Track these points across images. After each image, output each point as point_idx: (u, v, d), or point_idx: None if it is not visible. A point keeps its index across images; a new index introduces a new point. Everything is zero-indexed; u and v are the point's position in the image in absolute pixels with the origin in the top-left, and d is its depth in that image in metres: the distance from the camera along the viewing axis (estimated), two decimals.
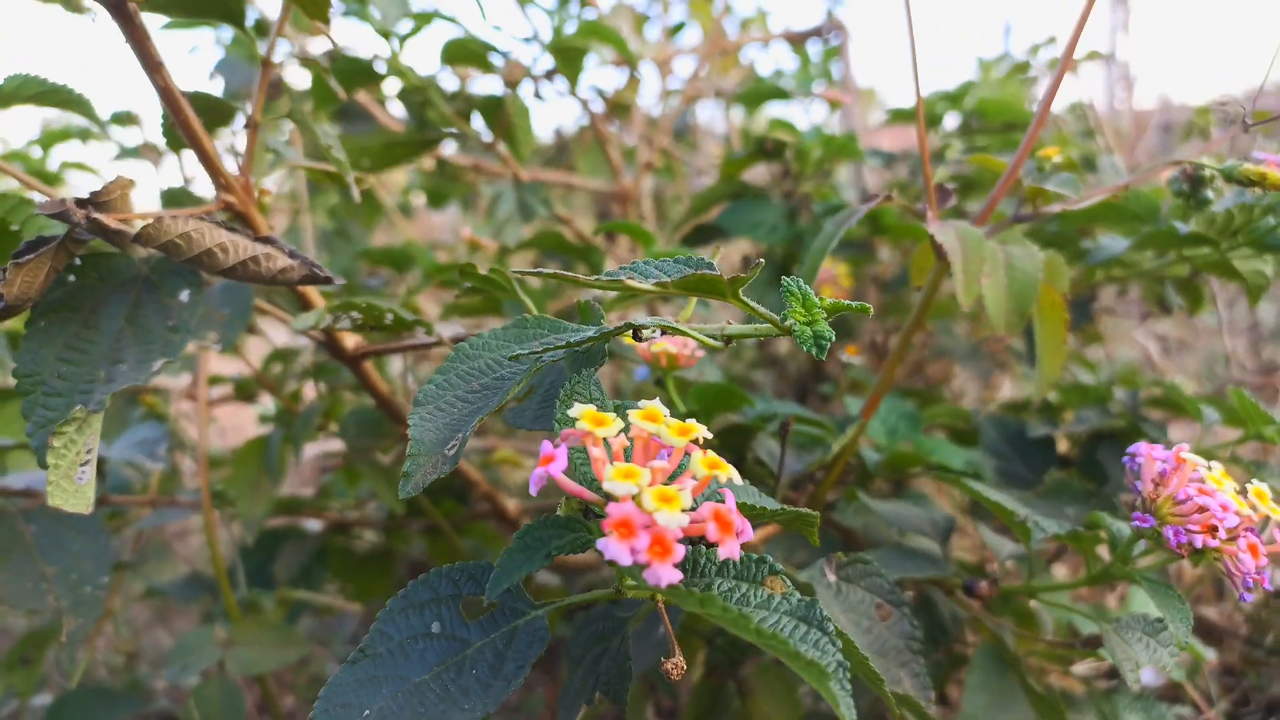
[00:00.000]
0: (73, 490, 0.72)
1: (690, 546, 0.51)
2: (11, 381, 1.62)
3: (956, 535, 1.53)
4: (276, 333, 1.61)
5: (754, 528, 0.79)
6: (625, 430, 0.49)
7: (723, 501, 0.46)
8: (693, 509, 0.45)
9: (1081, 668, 1.48)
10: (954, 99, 1.87)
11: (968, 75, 2.45)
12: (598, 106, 1.90)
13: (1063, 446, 1.18)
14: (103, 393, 0.71)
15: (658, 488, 0.44)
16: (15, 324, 1.61)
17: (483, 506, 1.37)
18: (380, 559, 1.47)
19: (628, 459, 0.49)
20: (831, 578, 0.72)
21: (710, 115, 2.85)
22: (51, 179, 1.74)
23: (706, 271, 0.50)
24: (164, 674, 1.06)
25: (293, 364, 1.52)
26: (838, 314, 0.54)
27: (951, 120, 1.92)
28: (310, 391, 1.47)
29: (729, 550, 0.44)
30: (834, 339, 0.52)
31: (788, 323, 0.53)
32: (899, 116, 1.87)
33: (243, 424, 2.14)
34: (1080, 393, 1.15)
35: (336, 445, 1.71)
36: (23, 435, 1.47)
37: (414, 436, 0.56)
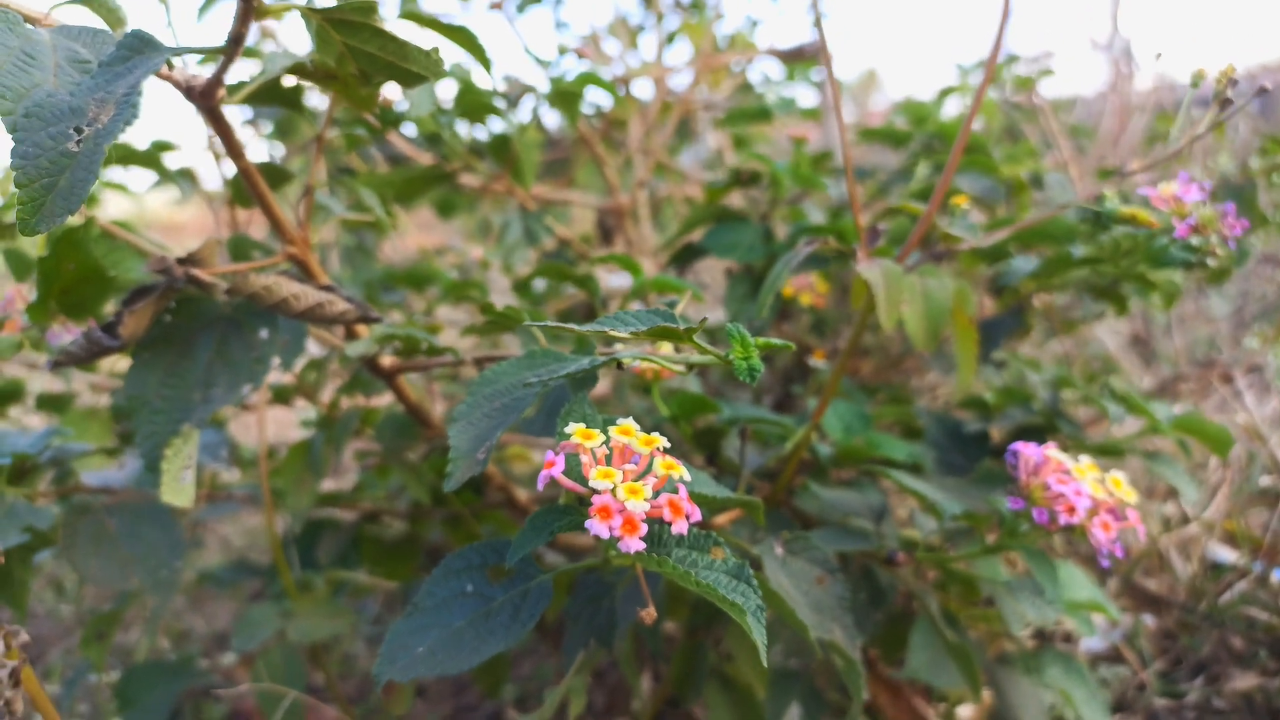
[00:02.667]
0: (179, 489, 0.91)
1: (655, 526, 0.70)
2: (95, 401, 1.80)
3: (903, 524, 1.72)
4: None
5: (713, 512, 0.99)
6: (606, 441, 0.68)
7: (676, 493, 0.66)
8: (654, 499, 0.64)
9: (1024, 634, 1.67)
10: (919, 120, 2.05)
11: (952, 79, 2.61)
12: (595, 125, 2.08)
13: (997, 439, 1.37)
14: (204, 411, 0.90)
15: (628, 484, 0.64)
16: None
17: (497, 497, 1.56)
18: (406, 544, 1.66)
19: (609, 462, 0.68)
20: (779, 551, 0.91)
21: (704, 120, 3.02)
22: (91, 200, 1.93)
23: (668, 324, 0.69)
24: (233, 643, 1.26)
25: (324, 372, 1.72)
26: (769, 350, 0.72)
27: (920, 137, 2.10)
28: (345, 399, 1.66)
29: (679, 527, 0.64)
30: (762, 370, 0.70)
31: (730, 357, 0.72)
32: (869, 136, 2.06)
33: (280, 426, 2.34)
34: (1009, 394, 1.33)
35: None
36: (87, 433, 1.66)
37: (454, 445, 0.75)
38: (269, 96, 0.96)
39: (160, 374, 0.95)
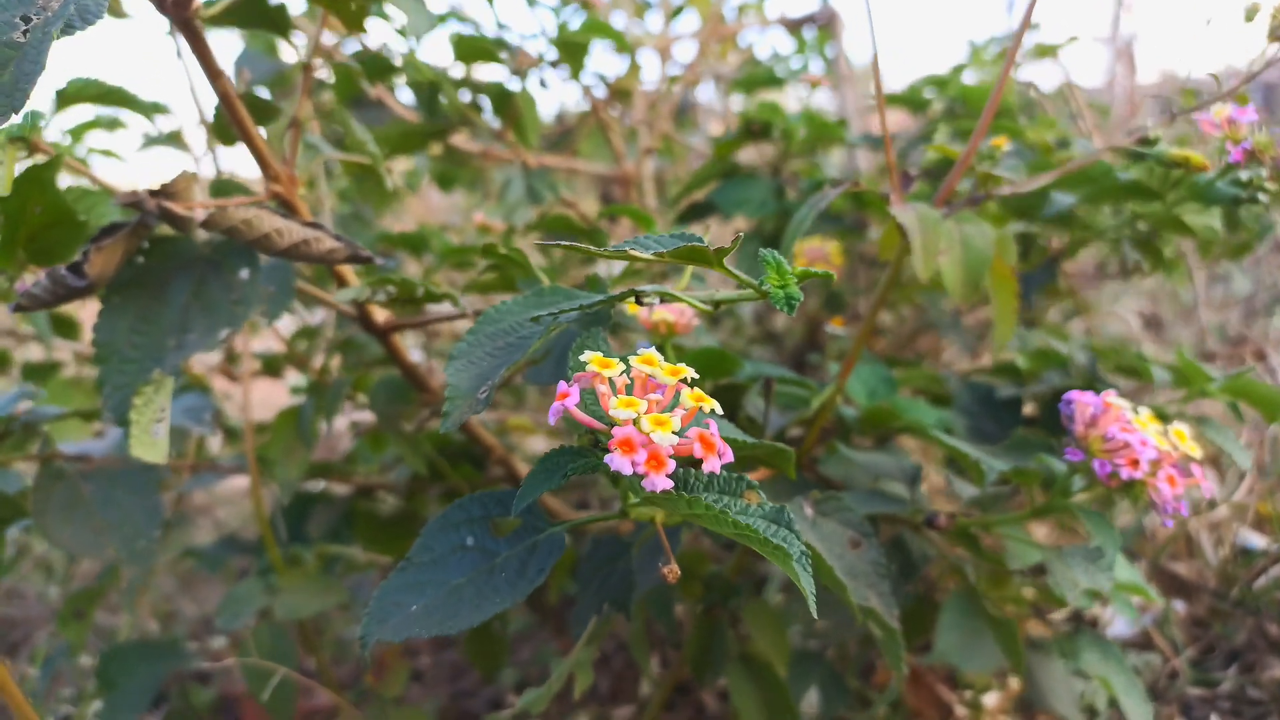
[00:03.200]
0: (150, 443, 0.83)
1: (681, 469, 0.62)
2: (56, 357, 1.72)
3: (933, 493, 1.64)
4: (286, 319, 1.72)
5: (739, 465, 0.90)
6: (627, 372, 0.60)
7: (707, 429, 0.58)
8: (682, 435, 0.56)
9: (1055, 617, 1.60)
10: (940, 84, 1.96)
11: (964, 56, 2.54)
12: (600, 92, 2.00)
13: (1030, 409, 1.29)
14: (176, 358, 0.82)
15: (654, 414, 0.56)
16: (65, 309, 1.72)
17: (498, 471, 1.48)
18: (403, 521, 1.58)
19: (630, 395, 0.60)
20: (809, 512, 0.83)
21: (711, 96, 2.94)
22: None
23: (696, 244, 0.61)
24: (217, 620, 1.18)
25: (318, 340, 1.63)
26: (808, 279, 0.64)
27: (940, 103, 2.02)
28: (337, 364, 1.58)
29: (711, 465, 0.56)
30: (802, 299, 0.62)
31: (765, 287, 0.63)
32: (887, 101, 1.97)
33: (270, 399, 2.26)
34: (1044, 357, 1.25)
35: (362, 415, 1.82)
36: (70, 403, 1.58)
37: (451, 383, 0.67)
38: (250, 13, 0.88)
39: (131, 319, 0.87)
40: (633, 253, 0.61)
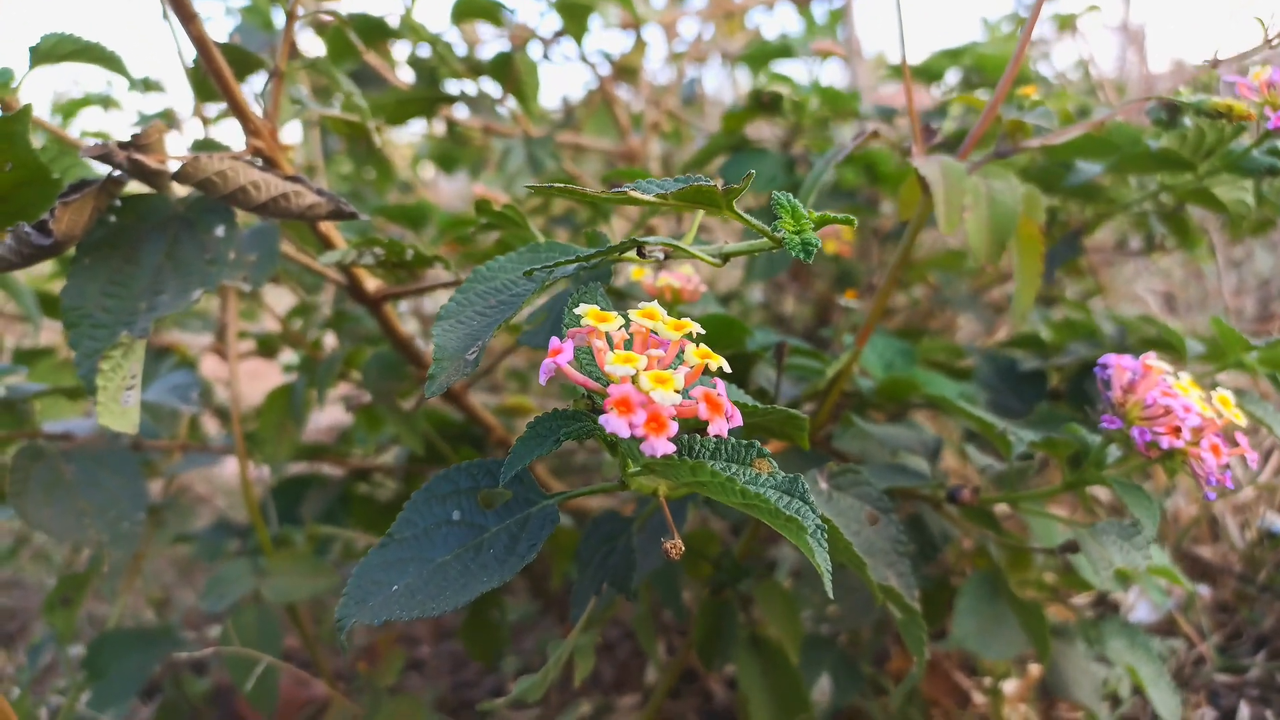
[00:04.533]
0: (119, 412, 0.77)
1: (684, 434, 0.56)
2: (44, 340, 1.67)
3: (950, 473, 1.58)
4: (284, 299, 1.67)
5: (748, 432, 0.85)
6: (626, 327, 0.54)
7: (714, 388, 0.52)
8: (685, 396, 0.50)
9: (1076, 601, 1.54)
10: (955, 55, 1.90)
11: (977, 33, 2.48)
12: (605, 69, 1.95)
13: (1054, 381, 1.23)
14: (146, 320, 0.77)
15: (654, 371, 0.50)
16: (50, 285, 1.68)
17: (499, 453, 1.43)
18: (399, 505, 1.52)
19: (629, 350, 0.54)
20: (824, 485, 0.77)
21: (718, 84, 2.88)
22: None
23: (702, 184, 0.55)
24: (201, 603, 1.12)
25: (313, 318, 1.58)
26: (825, 225, 0.59)
27: (954, 76, 1.96)
28: (331, 342, 1.52)
29: (718, 428, 0.50)
30: (820, 246, 0.57)
31: (779, 234, 0.58)
32: (899, 73, 1.91)
33: (264, 380, 2.21)
34: (1070, 328, 1.19)
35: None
36: (56, 380, 1.53)
37: (438, 344, 0.62)
38: None
39: (102, 282, 0.81)
40: (634, 194, 0.55)
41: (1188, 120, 0.89)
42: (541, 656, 1.72)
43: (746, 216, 0.58)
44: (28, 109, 0.87)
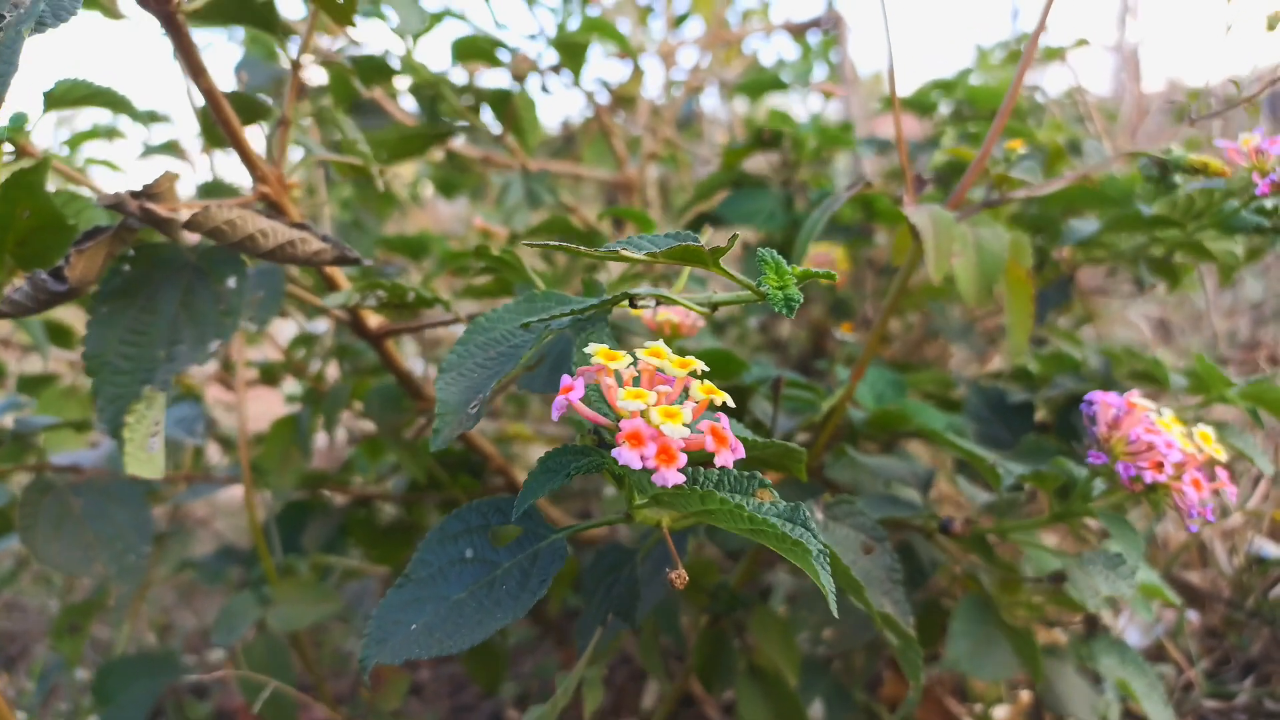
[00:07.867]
0: (145, 459, 0.80)
1: (690, 466, 0.60)
2: (50, 367, 1.70)
3: (941, 500, 1.61)
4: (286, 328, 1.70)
5: (744, 464, 0.88)
6: (634, 364, 0.58)
7: (718, 422, 0.56)
8: (692, 429, 0.54)
9: (1068, 621, 1.56)
10: (947, 87, 1.94)
11: (970, 61, 2.52)
12: (603, 98, 1.98)
13: (1042, 414, 1.26)
14: (166, 372, 0.79)
15: (663, 406, 0.54)
16: (57, 314, 1.70)
17: (497, 481, 1.45)
18: (401, 531, 1.55)
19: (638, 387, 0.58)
20: (820, 515, 0.80)
21: (715, 106, 2.91)
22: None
23: (691, 243, 0.58)
24: (212, 638, 1.15)
25: (315, 348, 1.61)
26: (808, 280, 0.61)
27: (946, 106, 1.99)
28: (333, 372, 1.55)
29: (724, 460, 0.54)
30: (802, 301, 0.59)
31: (763, 288, 0.61)
32: (890, 104, 1.94)
33: (267, 409, 2.23)
34: (1058, 361, 1.22)
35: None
36: (65, 414, 1.56)
37: (440, 399, 0.65)
38: (235, 9, 0.85)
39: (121, 330, 0.84)
40: (624, 253, 0.58)
41: (1176, 177, 0.92)
42: (540, 680, 1.75)
43: (733, 274, 0.60)
44: (46, 161, 0.90)
